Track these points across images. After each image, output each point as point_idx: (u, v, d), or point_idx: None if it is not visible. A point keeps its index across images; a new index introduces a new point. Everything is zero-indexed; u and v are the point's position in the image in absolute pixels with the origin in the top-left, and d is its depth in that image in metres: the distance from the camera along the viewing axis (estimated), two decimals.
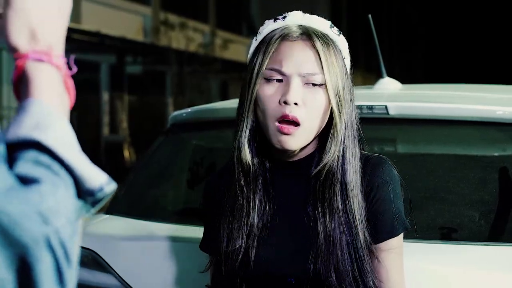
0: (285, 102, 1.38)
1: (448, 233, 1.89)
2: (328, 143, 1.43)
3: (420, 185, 1.95)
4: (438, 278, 1.74)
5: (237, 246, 1.45)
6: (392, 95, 2.31)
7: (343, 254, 1.39)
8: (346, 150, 1.43)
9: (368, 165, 1.45)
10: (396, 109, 2.02)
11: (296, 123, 1.38)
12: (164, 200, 2.43)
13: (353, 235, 1.41)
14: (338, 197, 1.41)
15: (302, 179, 1.46)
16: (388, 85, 2.43)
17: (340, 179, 1.42)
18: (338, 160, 1.42)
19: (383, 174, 1.44)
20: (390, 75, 2.49)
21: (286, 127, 1.38)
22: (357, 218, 1.41)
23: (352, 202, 1.41)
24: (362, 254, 1.41)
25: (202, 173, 2.39)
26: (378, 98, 2.13)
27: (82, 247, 2.13)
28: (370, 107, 2.00)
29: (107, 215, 2.32)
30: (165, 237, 2.09)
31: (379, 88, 2.41)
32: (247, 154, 1.44)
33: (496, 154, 2.03)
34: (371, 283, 1.42)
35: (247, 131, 1.44)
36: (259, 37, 1.47)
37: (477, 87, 2.71)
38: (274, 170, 1.48)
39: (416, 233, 1.70)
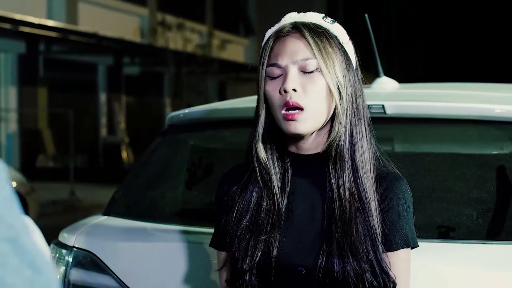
0: (285, 91, 1.45)
1: (446, 231, 1.89)
2: (333, 124, 1.49)
3: (418, 184, 1.95)
4: (436, 277, 1.74)
5: (257, 240, 1.49)
6: (389, 94, 2.31)
7: (359, 234, 1.43)
8: (353, 130, 1.49)
9: (385, 179, 1.50)
10: (393, 108, 2.03)
11: (299, 108, 1.45)
12: (162, 201, 2.43)
13: (367, 211, 1.45)
14: (351, 175, 1.47)
15: (318, 172, 1.51)
16: (385, 84, 2.42)
17: (349, 157, 1.47)
18: (345, 139, 1.48)
19: (397, 189, 1.49)
20: (388, 74, 2.49)
21: (290, 114, 1.44)
22: (368, 194, 1.46)
23: (363, 180, 1.47)
24: (377, 235, 1.44)
25: (200, 173, 2.39)
26: (375, 97, 2.13)
27: (81, 249, 2.13)
28: (368, 107, 1.99)
29: (105, 216, 2.32)
30: (163, 238, 2.09)
31: (376, 88, 2.41)
32: (262, 151, 1.52)
33: (494, 152, 2.03)
34: (391, 273, 1.44)
35: (262, 128, 1.52)
36: (263, 43, 1.56)
37: (475, 85, 2.71)
38: (291, 165, 1.54)
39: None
